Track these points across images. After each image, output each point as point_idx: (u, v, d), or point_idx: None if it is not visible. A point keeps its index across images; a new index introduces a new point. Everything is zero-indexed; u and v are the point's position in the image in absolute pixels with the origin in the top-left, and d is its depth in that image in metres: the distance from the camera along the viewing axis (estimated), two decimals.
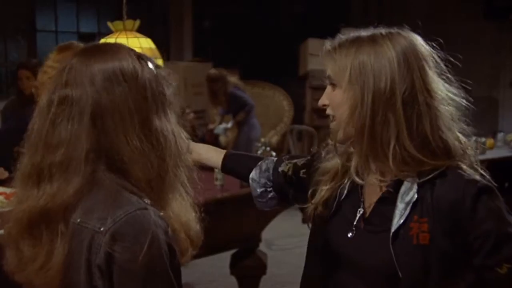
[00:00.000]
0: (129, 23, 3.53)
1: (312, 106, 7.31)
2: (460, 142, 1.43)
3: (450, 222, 1.37)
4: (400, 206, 1.41)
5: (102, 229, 1.17)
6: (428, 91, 1.39)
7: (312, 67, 7.29)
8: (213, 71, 6.82)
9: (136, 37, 3.53)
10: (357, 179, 1.48)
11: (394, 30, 1.45)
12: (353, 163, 1.49)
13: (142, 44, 3.48)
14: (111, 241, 1.16)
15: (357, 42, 1.42)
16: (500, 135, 6.37)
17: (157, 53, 3.61)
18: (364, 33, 1.45)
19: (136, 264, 1.14)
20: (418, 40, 1.44)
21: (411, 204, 1.40)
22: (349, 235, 1.49)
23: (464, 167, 1.41)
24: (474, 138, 5.59)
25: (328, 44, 1.46)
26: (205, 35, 9.39)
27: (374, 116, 1.38)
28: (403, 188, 1.42)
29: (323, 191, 1.56)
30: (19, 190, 1.27)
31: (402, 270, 1.37)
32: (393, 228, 1.40)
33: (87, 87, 1.21)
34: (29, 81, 4.21)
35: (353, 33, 1.46)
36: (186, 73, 7.40)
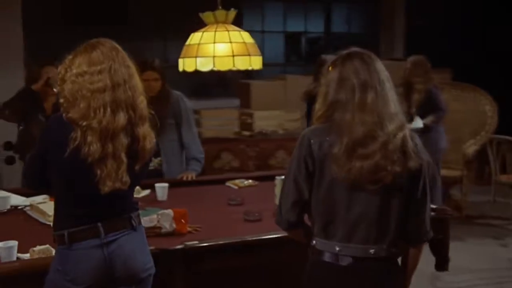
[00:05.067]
0: (220, 14, 3.03)
1: None
2: None
3: None
4: None
5: None
6: None
7: None
8: (414, 56, 5.83)
9: (226, 30, 3.02)
10: None
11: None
12: None
13: (232, 38, 2.98)
14: None
15: None
16: None
17: (253, 48, 3.05)
18: None
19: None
20: None
21: None
22: None
23: None
24: None
25: None
26: (418, 33, 8.57)
27: None
28: None
29: None
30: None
31: None
32: None
33: None
34: None
35: None
36: None
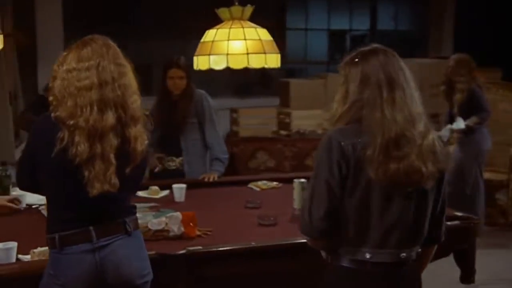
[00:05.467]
0: (236, 10, 2.92)
1: None
2: None
3: None
4: None
5: None
6: None
7: None
8: (458, 54, 5.59)
9: (241, 27, 2.90)
10: None
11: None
12: None
13: (247, 35, 2.86)
14: None
15: None
16: None
17: (270, 46, 2.93)
18: None
19: None
20: None
21: None
22: None
23: None
24: None
25: None
26: (468, 31, 8.27)
27: None
28: None
29: None
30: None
31: None
32: None
33: None
34: None
35: None
36: (423, 72, 6.39)
